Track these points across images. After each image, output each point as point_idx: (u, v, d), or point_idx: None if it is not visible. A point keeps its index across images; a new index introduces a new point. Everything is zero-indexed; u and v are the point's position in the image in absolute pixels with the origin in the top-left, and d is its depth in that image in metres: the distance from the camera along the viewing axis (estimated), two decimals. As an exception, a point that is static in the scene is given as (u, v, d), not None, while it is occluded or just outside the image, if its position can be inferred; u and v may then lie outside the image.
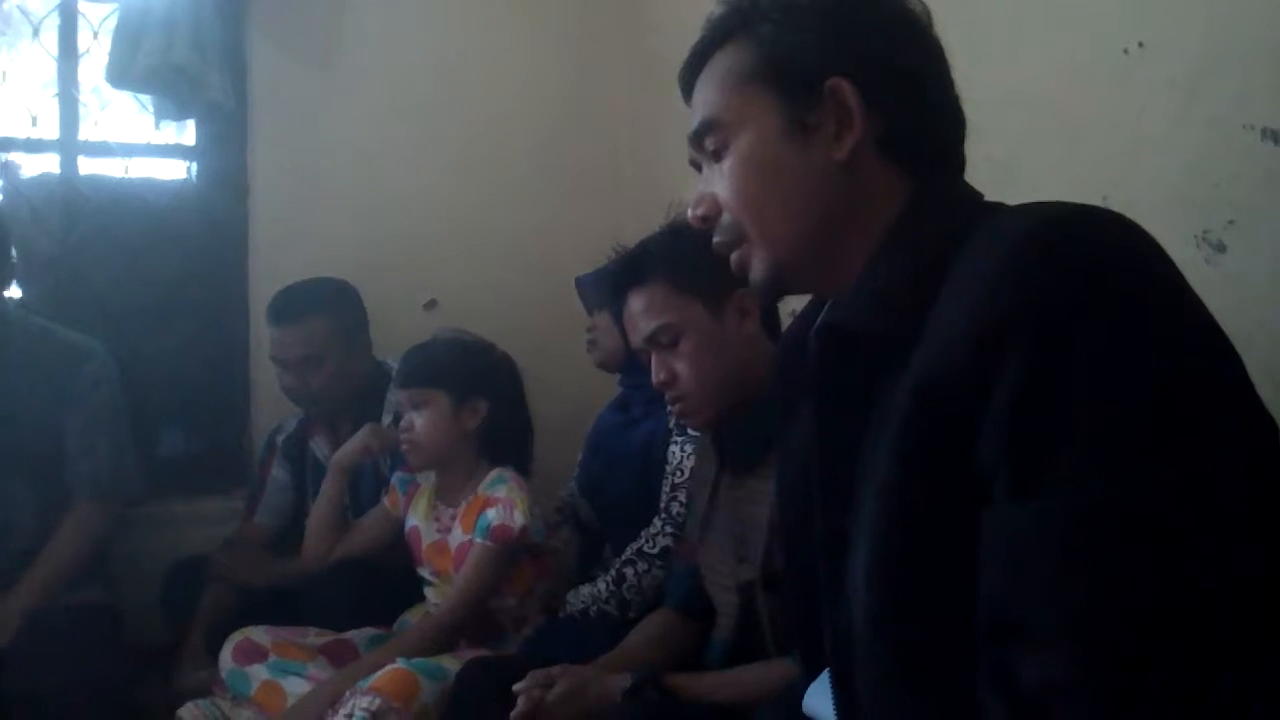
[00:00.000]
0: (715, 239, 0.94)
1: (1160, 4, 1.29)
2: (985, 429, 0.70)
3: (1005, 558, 0.69)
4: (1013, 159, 1.42)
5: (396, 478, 2.11)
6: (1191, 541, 0.65)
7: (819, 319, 0.89)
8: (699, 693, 1.42)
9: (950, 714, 0.75)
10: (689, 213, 0.95)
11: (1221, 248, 1.21)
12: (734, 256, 0.93)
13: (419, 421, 1.94)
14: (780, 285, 0.93)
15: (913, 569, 0.77)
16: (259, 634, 1.94)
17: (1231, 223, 1.20)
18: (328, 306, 2.32)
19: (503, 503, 1.90)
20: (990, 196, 0.89)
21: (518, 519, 1.88)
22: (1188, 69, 1.25)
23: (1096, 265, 0.70)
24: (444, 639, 1.87)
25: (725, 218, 0.92)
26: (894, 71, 0.87)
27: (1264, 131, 1.16)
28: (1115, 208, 0.76)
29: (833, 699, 0.89)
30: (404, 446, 1.96)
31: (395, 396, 2.02)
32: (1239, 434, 0.68)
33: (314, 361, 2.27)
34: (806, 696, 0.99)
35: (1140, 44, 1.31)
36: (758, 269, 0.92)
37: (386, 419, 2.29)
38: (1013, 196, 0.85)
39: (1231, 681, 0.65)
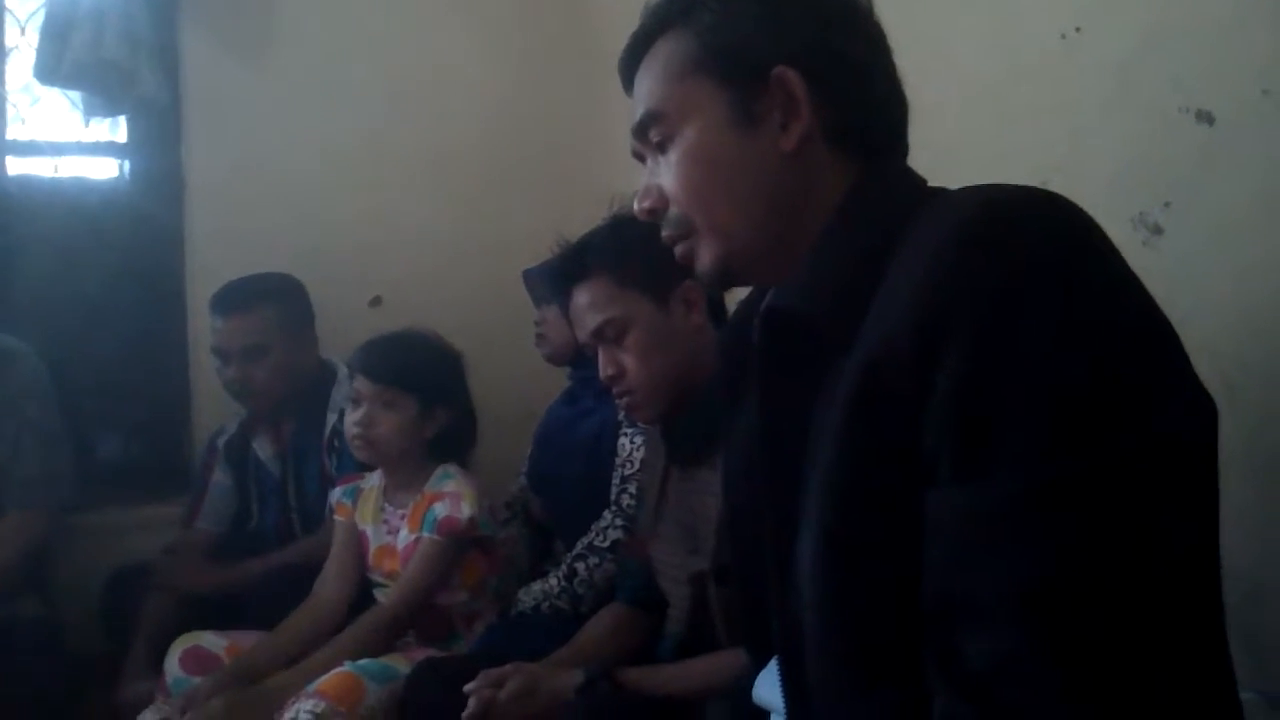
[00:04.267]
0: (664, 232, 0.93)
1: (1096, -11, 1.31)
2: (928, 411, 0.70)
3: (949, 539, 0.69)
4: (953, 144, 1.42)
5: (340, 491, 2.05)
6: (1133, 519, 0.65)
7: (764, 304, 0.89)
8: (651, 686, 1.42)
9: (899, 697, 0.75)
10: (635, 206, 0.94)
11: (1158, 229, 1.22)
12: (679, 248, 0.92)
13: (383, 422, 1.90)
14: (729, 276, 0.92)
15: (859, 552, 0.76)
16: (210, 640, 1.92)
17: (1168, 204, 1.22)
18: (274, 298, 2.28)
19: (449, 496, 1.89)
20: (931, 182, 0.89)
21: (465, 510, 1.87)
22: (1124, 53, 1.27)
23: (1035, 247, 0.70)
24: (390, 633, 1.85)
25: (672, 210, 0.91)
26: (838, 59, 0.87)
27: (1199, 113, 1.18)
28: (1054, 191, 0.76)
29: (781, 686, 0.89)
30: (356, 440, 1.93)
31: (349, 388, 1.96)
32: (1178, 413, 0.68)
33: (258, 353, 2.23)
34: (756, 685, 0.98)
35: (1077, 29, 1.33)
36: (705, 260, 0.91)
37: (332, 418, 2.25)
38: (953, 182, 0.85)
39: (1175, 656, 0.65)
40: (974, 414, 0.68)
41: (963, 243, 0.71)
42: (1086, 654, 0.64)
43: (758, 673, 0.98)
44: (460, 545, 1.90)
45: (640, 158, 0.96)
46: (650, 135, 0.92)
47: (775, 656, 0.91)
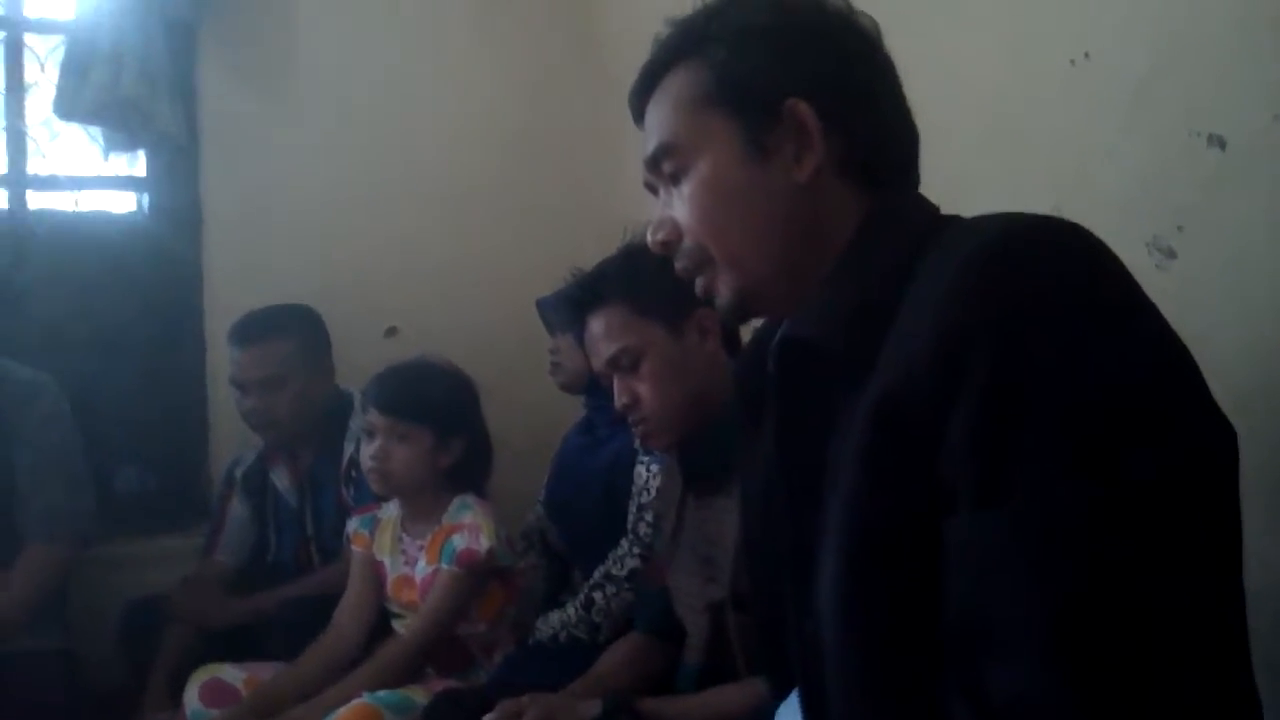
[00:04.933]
0: (678, 264, 0.93)
1: (1105, 14, 1.31)
2: (947, 441, 0.70)
3: (970, 568, 0.69)
4: (964, 172, 1.43)
5: (357, 521, 2.05)
6: (1153, 546, 0.65)
7: (779, 334, 0.89)
8: (670, 717, 1.41)
9: (922, 727, 0.75)
10: (649, 238, 0.95)
11: (1172, 254, 1.22)
12: (699, 282, 0.92)
13: (397, 454, 1.90)
14: (748, 308, 0.93)
15: (879, 582, 0.76)
16: (229, 672, 1.92)
17: (1181, 229, 1.22)
18: (293, 329, 2.29)
19: (468, 528, 1.89)
20: (944, 209, 0.89)
21: (484, 542, 1.87)
22: (1134, 78, 1.27)
23: (1052, 275, 0.70)
24: (410, 665, 1.85)
25: (687, 243, 0.91)
26: (849, 90, 0.88)
27: (1210, 137, 1.18)
28: (1067, 217, 0.77)
29: (803, 716, 0.89)
30: (372, 474, 1.93)
31: (363, 420, 1.97)
32: (1197, 439, 0.68)
33: (277, 384, 2.24)
34: (777, 716, 0.98)
35: (1086, 54, 1.33)
36: (725, 294, 0.91)
37: (349, 448, 2.26)
38: (966, 209, 0.85)
39: (1200, 686, 0.65)
40: (992, 442, 0.68)
41: (978, 272, 0.72)
42: (1109, 684, 0.64)
43: (778, 703, 0.98)
44: (479, 577, 1.89)
45: (653, 189, 0.96)
46: (663, 167, 0.93)
47: (796, 686, 0.91)
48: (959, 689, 0.70)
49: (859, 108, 0.88)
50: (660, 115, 0.93)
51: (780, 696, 0.97)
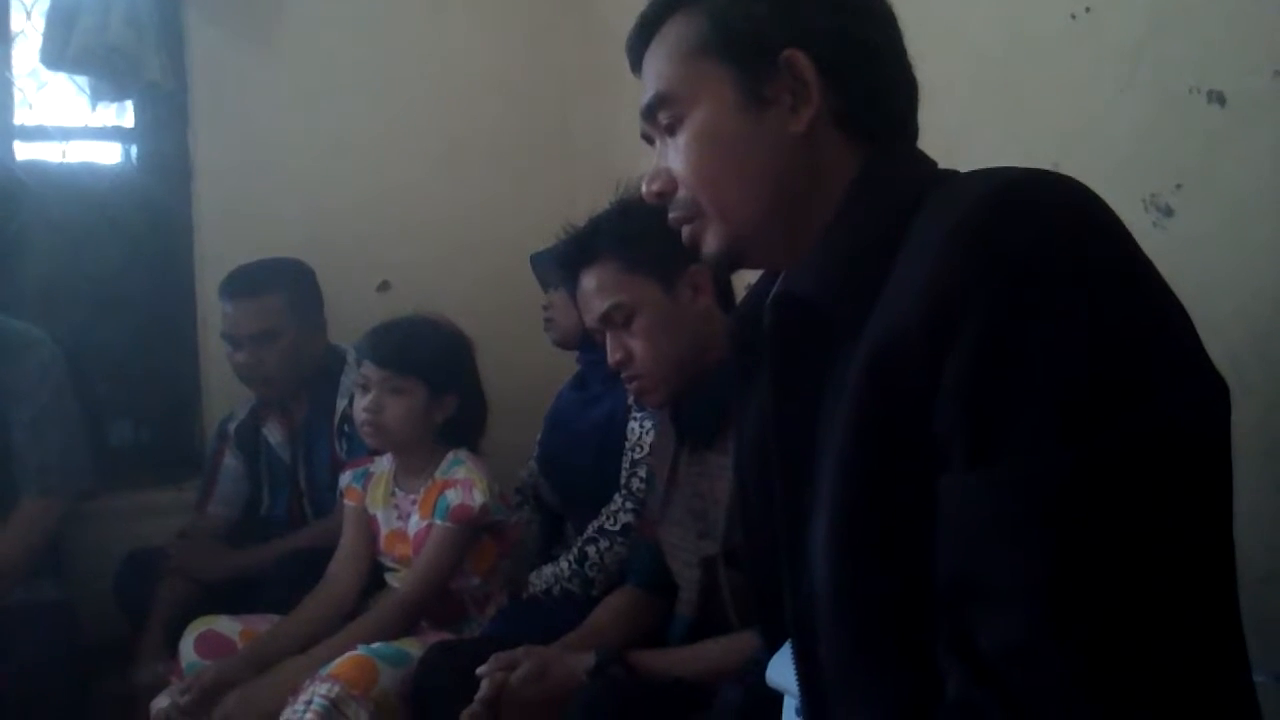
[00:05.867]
0: (671, 215, 0.92)
1: (1106, -32, 1.30)
2: (940, 396, 0.70)
3: (961, 524, 0.69)
4: (962, 127, 1.42)
5: (350, 475, 2.06)
6: (1144, 501, 0.65)
7: (774, 289, 0.89)
8: (663, 669, 1.42)
9: (913, 681, 0.75)
10: (643, 188, 0.94)
11: (1169, 211, 1.22)
12: (686, 230, 0.92)
13: (392, 407, 1.91)
14: (735, 259, 0.92)
15: (872, 538, 0.77)
16: (224, 624, 1.94)
17: (1179, 186, 1.21)
18: (285, 283, 2.29)
19: (461, 483, 1.90)
20: (941, 164, 0.89)
21: (477, 498, 1.88)
22: (1134, 34, 1.26)
23: (1047, 229, 0.70)
24: (405, 620, 1.86)
25: (681, 193, 0.91)
26: (848, 42, 0.87)
27: (1210, 94, 1.17)
28: (1065, 173, 0.76)
29: (795, 670, 0.89)
30: (365, 426, 1.93)
31: (358, 373, 1.98)
32: (1190, 395, 0.68)
33: (269, 338, 2.24)
34: (770, 668, 0.99)
35: (1087, 9, 1.32)
36: (711, 243, 0.91)
37: (341, 403, 2.26)
38: (963, 164, 0.85)
39: (1186, 643, 0.65)
40: (985, 399, 0.68)
41: (973, 227, 0.71)
42: (1098, 637, 0.64)
43: (771, 655, 0.99)
44: (473, 531, 1.90)
45: (649, 140, 0.96)
46: (659, 117, 0.92)
47: (788, 640, 0.92)
48: (951, 643, 0.70)
49: (858, 59, 0.87)
50: (657, 65, 0.92)
51: (773, 650, 0.98)
